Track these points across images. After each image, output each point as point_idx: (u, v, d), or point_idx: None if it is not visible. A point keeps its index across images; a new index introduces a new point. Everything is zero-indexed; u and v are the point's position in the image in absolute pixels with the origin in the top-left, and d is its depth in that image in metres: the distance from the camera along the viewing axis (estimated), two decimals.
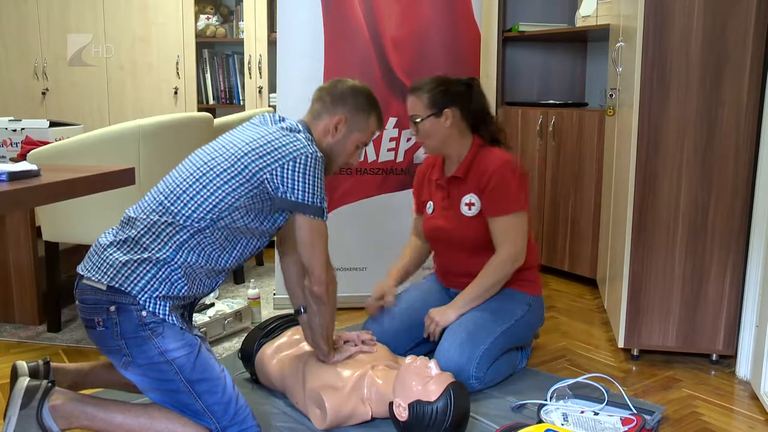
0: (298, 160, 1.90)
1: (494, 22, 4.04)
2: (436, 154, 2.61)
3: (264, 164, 1.90)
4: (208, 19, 4.54)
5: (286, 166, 1.90)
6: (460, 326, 2.40)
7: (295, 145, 1.92)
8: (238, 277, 3.72)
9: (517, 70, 4.26)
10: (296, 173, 1.90)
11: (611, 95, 3.13)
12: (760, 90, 2.45)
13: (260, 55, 4.39)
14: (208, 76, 4.61)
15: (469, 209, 2.52)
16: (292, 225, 1.99)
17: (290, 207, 1.93)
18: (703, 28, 2.44)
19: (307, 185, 1.91)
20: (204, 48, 4.59)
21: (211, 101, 4.64)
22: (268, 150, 1.91)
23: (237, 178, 1.89)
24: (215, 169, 1.91)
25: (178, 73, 4.44)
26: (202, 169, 1.93)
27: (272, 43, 4.28)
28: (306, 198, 1.92)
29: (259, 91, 4.43)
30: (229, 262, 1.97)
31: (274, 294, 3.31)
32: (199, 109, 4.50)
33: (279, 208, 1.96)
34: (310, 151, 1.92)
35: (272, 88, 4.38)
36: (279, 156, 1.90)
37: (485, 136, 2.56)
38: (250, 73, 4.42)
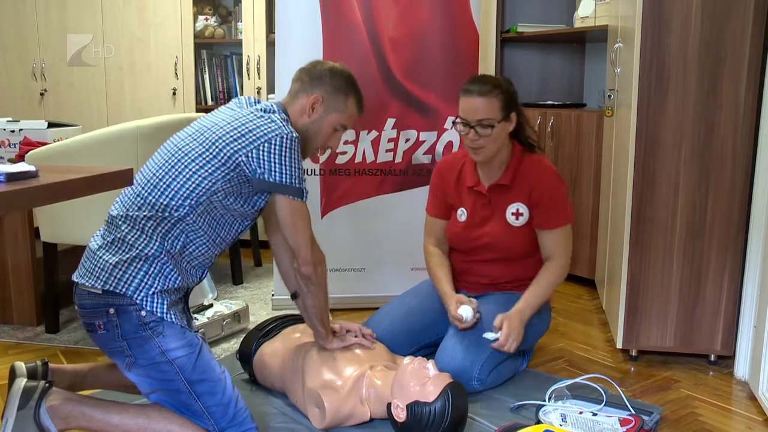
0: (273, 141, 1.89)
1: (492, 22, 4.04)
2: (484, 161, 2.48)
3: (239, 146, 1.89)
4: (206, 19, 4.54)
5: (261, 148, 1.89)
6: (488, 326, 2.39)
7: (269, 126, 1.92)
8: (237, 278, 3.72)
9: (515, 70, 4.26)
10: (272, 155, 1.90)
11: (609, 96, 3.13)
12: (758, 91, 2.45)
13: (259, 56, 4.39)
14: (206, 76, 4.61)
15: (516, 219, 2.48)
16: (274, 206, 1.99)
17: (268, 188, 1.93)
18: (701, 30, 2.45)
19: (284, 166, 1.91)
20: (202, 49, 4.59)
21: (209, 102, 4.64)
22: (243, 132, 1.91)
23: (212, 162, 1.89)
24: (190, 155, 1.91)
25: (176, 73, 4.43)
26: (176, 155, 1.92)
27: (271, 44, 4.28)
28: (284, 179, 1.91)
29: (258, 92, 4.43)
30: (213, 247, 1.97)
31: (273, 295, 3.31)
32: (198, 110, 4.50)
33: (258, 191, 1.95)
34: (285, 131, 1.91)
35: (271, 89, 4.37)
36: (253, 138, 1.90)
37: (523, 141, 2.53)
38: (248, 74, 4.42)
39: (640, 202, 2.59)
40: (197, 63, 4.53)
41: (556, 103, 3.96)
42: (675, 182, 2.55)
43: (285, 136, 1.91)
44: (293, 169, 1.92)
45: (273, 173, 1.90)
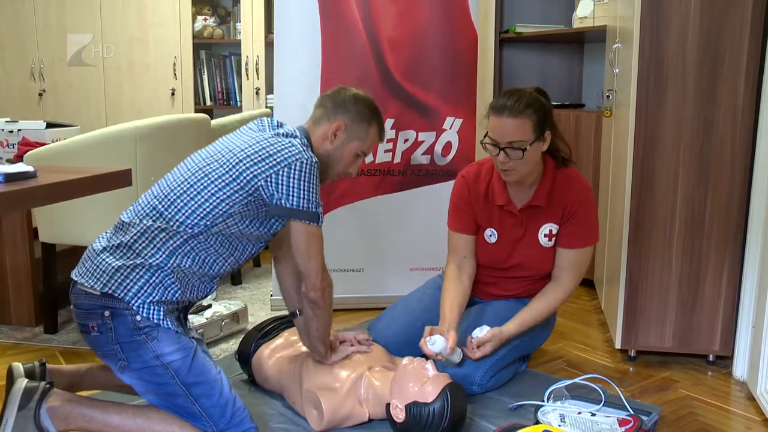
0: (293, 167, 1.89)
1: (491, 23, 4.05)
2: (516, 182, 2.37)
3: (258, 171, 1.89)
4: (205, 20, 4.54)
5: (281, 173, 1.89)
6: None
7: (290, 151, 1.91)
8: (236, 278, 3.71)
9: (514, 71, 4.26)
10: (291, 179, 1.89)
11: (608, 96, 3.13)
12: (756, 91, 2.46)
13: (257, 56, 4.39)
14: (205, 77, 4.61)
15: (549, 240, 2.41)
16: (287, 230, 1.99)
17: (285, 214, 1.92)
18: (700, 30, 2.45)
19: (302, 191, 1.90)
20: (201, 49, 4.59)
21: (208, 102, 4.64)
22: (263, 156, 1.90)
23: (232, 185, 1.89)
24: (210, 176, 1.91)
25: (175, 74, 4.44)
26: (197, 174, 1.92)
27: (269, 44, 4.29)
28: (301, 204, 1.91)
29: (257, 93, 4.43)
30: (224, 267, 1.97)
31: (271, 295, 3.31)
32: (196, 110, 4.51)
33: (274, 215, 1.95)
34: (305, 156, 1.91)
35: (269, 89, 4.37)
36: (274, 162, 1.89)
37: (557, 156, 2.41)
38: (247, 74, 4.42)
39: (638, 202, 2.59)
40: (196, 63, 4.54)
41: (554, 103, 3.95)
42: (673, 182, 2.55)
43: (305, 161, 1.90)
44: (311, 194, 1.91)
45: (291, 198, 1.90)
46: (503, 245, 2.47)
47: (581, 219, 2.37)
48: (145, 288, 1.84)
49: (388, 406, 2.02)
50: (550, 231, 2.41)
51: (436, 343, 2.22)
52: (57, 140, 3.29)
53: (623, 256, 2.64)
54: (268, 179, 1.89)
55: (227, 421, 1.89)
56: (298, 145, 1.93)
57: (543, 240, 2.41)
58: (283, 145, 1.93)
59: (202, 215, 1.88)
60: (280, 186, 1.89)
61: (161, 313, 1.84)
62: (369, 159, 3.21)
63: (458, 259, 2.52)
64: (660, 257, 2.60)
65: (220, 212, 1.89)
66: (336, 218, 3.23)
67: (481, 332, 2.35)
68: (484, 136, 2.28)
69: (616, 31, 3.06)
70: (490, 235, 2.48)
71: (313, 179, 1.92)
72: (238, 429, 1.91)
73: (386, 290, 3.27)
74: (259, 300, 3.45)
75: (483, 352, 2.32)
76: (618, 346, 2.70)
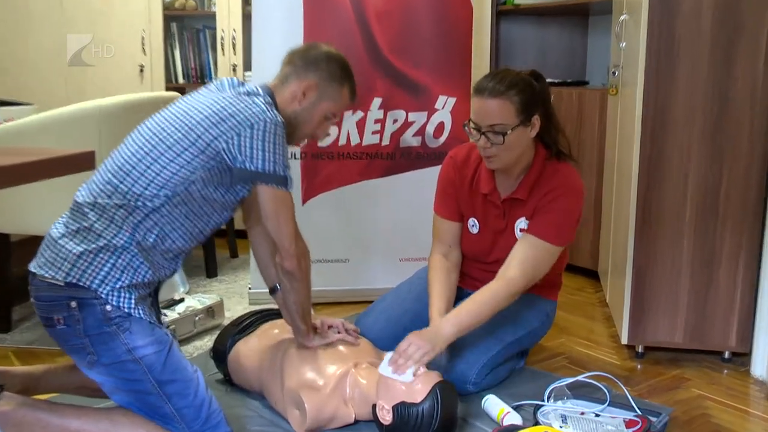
0: (256, 127, 1.88)
1: None
2: (500, 170, 2.35)
3: (219, 132, 1.88)
4: None
5: (243, 134, 1.88)
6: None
7: (252, 110, 1.90)
8: (211, 270, 3.70)
9: (511, 46, 4.24)
10: (255, 140, 1.88)
11: (614, 73, 3.12)
12: None
13: (234, 30, 4.35)
14: (177, 52, 4.57)
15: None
16: (256, 196, 1.98)
17: (250, 177, 1.92)
18: None
19: (267, 153, 1.89)
20: (172, 22, 4.54)
21: (180, 80, 4.60)
22: (224, 117, 1.89)
23: (191, 150, 1.87)
24: (167, 141, 1.89)
25: (143, 49, 4.39)
26: (152, 141, 1.90)
27: (247, 17, 4.24)
28: (266, 167, 1.90)
29: (233, 69, 4.40)
30: (189, 240, 1.96)
31: (250, 288, 3.30)
32: (168, 89, 4.46)
33: (239, 180, 1.94)
34: (270, 116, 1.90)
35: (247, 66, 4.34)
36: (235, 123, 1.88)
37: (551, 146, 2.37)
38: (223, 50, 4.39)
39: (646, 186, 2.58)
40: (167, 37, 4.49)
41: (555, 81, 3.94)
42: (685, 164, 2.54)
43: (269, 121, 1.89)
44: (277, 156, 1.91)
45: (255, 161, 1.89)
46: (485, 237, 2.46)
47: (555, 212, 2.29)
48: (112, 273, 1.82)
49: (374, 407, 2.01)
50: (524, 227, 2.37)
51: (407, 374, 2.02)
52: (9, 120, 3.24)
53: (629, 244, 2.63)
54: (230, 141, 1.88)
55: (202, 423, 1.88)
56: (262, 104, 1.92)
57: (518, 235, 2.39)
58: (245, 104, 1.92)
59: (161, 185, 1.86)
60: (243, 148, 1.88)
61: (132, 300, 1.82)
62: (355, 141, 3.20)
63: (444, 248, 2.52)
64: (670, 244, 2.59)
65: (181, 180, 1.87)
66: (319, 205, 3.21)
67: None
68: (467, 121, 2.28)
69: (622, 1, 3.04)
70: (473, 225, 2.48)
71: (278, 140, 1.91)
72: None
73: (374, 282, 3.27)
74: (236, 293, 3.44)
75: (402, 351, 2.09)
76: (624, 341, 2.70)
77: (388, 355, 2.08)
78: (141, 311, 1.83)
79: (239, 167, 1.90)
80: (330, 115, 2.14)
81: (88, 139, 2.70)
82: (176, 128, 1.90)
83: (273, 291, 2.26)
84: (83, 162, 1.73)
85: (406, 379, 1.99)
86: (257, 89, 2.02)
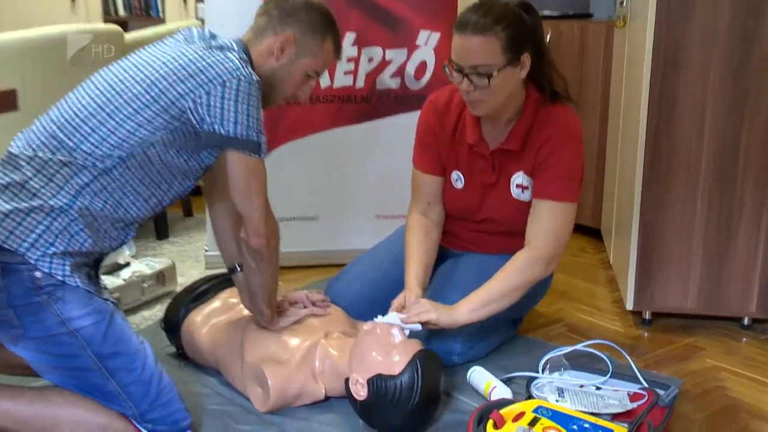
0: (228, 85, 1.86)
1: None
2: (486, 116, 2.33)
3: (186, 90, 1.86)
4: None
5: (213, 93, 1.85)
6: (455, 294, 2.33)
7: (224, 66, 1.88)
8: (161, 230, 3.69)
9: None
10: (226, 101, 1.86)
11: (621, 3, 3.11)
12: None
13: None
14: None
15: (522, 192, 2.38)
16: (223, 165, 1.96)
17: (219, 143, 1.90)
18: None
19: (239, 115, 1.87)
20: None
21: (121, 12, 4.55)
22: (192, 72, 1.87)
23: (152, 108, 1.85)
24: (124, 95, 1.87)
25: None
26: (107, 94, 1.88)
27: None
28: (238, 131, 1.88)
29: (184, 0, 4.35)
30: (144, 210, 1.94)
31: (206, 251, 3.30)
32: (106, 21, 4.40)
33: (206, 145, 1.93)
34: (244, 73, 1.88)
35: None
36: (205, 80, 1.86)
37: (544, 87, 2.34)
38: None
39: (656, 134, 2.59)
40: None
41: (554, 14, 3.92)
42: (701, 109, 2.55)
43: (243, 78, 1.87)
44: (251, 119, 1.89)
45: (226, 123, 1.87)
46: (472, 193, 2.46)
47: (558, 164, 2.30)
48: (44, 237, 1.80)
49: (347, 380, 2.03)
50: (522, 183, 2.38)
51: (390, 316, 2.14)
52: None
53: (636, 199, 2.65)
54: (198, 100, 1.86)
55: (151, 402, 1.89)
56: (235, 60, 1.90)
57: (515, 192, 2.40)
58: (216, 59, 1.89)
59: (114, 145, 1.84)
60: (212, 108, 1.86)
61: (66, 267, 1.81)
62: (325, 83, 3.18)
63: (423, 205, 2.53)
64: (682, 199, 2.62)
65: (138, 141, 1.85)
66: (284, 156, 3.21)
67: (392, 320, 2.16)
68: (447, 62, 2.25)
69: None
70: (456, 180, 2.48)
71: (252, 101, 1.89)
72: (164, 411, 1.91)
73: (346, 243, 3.28)
74: (190, 257, 3.45)
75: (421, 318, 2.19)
76: (630, 307, 2.73)
77: (368, 324, 2.10)
78: (77, 279, 1.82)
79: (207, 130, 1.88)
80: (312, 72, 2.12)
81: (8, 75, 2.66)
82: (136, 81, 1.88)
83: (232, 271, 2.25)
84: (3, 102, 1.71)
85: (390, 320, 2.09)
86: (231, 43, 1.99)
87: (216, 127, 1.87)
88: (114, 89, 1.88)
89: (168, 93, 1.86)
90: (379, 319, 2.13)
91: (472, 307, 2.24)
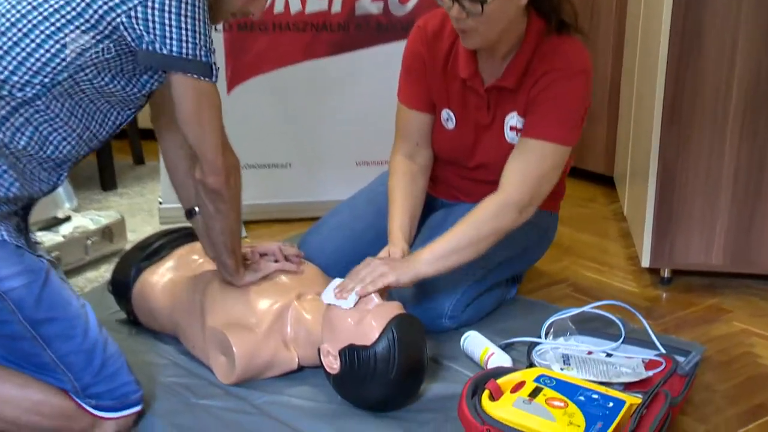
0: None
1: None
2: (481, 49, 2.30)
3: (118, 1, 1.80)
4: None
5: (151, 5, 1.80)
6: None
7: None
8: (108, 180, 3.69)
9: None
10: (167, 14, 1.80)
11: None
12: None
13: None
14: None
15: (517, 135, 2.34)
16: (168, 90, 1.92)
17: (161, 64, 1.85)
18: None
19: (184, 32, 1.82)
20: None
21: None
22: None
23: (77, 23, 1.79)
24: (41, 9, 1.80)
25: None
26: (18, 7, 1.81)
27: None
28: (184, 50, 1.83)
29: None
30: (77, 147, 1.91)
31: (161, 203, 3.29)
32: None
33: (146, 68, 1.89)
34: None
35: None
36: None
37: (550, 16, 2.28)
38: None
39: (678, 67, 2.58)
40: None
41: None
42: (731, 38, 2.54)
43: None
44: (198, 36, 1.84)
45: (168, 41, 1.82)
46: (464, 134, 2.45)
47: (547, 99, 2.26)
48: None
49: (319, 351, 2.03)
50: (516, 125, 2.35)
51: (349, 299, 2.06)
52: None
53: (654, 141, 2.65)
54: (133, 14, 1.80)
55: (94, 374, 1.87)
56: None
57: (509, 135, 2.37)
58: None
59: (35, 69, 1.79)
60: (151, 24, 1.80)
61: None
62: (295, 7, 3.17)
63: (409, 147, 2.51)
64: (708, 141, 2.62)
65: (64, 63, 1.80)
66: (249, 93, 3.20)
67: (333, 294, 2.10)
68: None
69: None
70: (447, 119, 2.46)
71: (199, 13, 1.83)
72: (110, 384, 1.89)
73: (323, 193, 3.29)
74: (142, 210, 3.45)
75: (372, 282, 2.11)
76: (646, 264, 2.74)
77: (336, 281, 2.09)
78: (3, 232, 1.80)
79: (146, 50, 1.82)
80: None
81: None
82: None
83: (190, 214, 2.24)
84: None
85: (346, 305, 2.01)
86: None
87: (157, 46, 1.82)
88: (28, 2, 1.82)
89: (95, 6, 1.80)
90: (327, 295, 2.08)
91: (434, 256, 2.20)
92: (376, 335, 1.94)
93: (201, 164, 1.98)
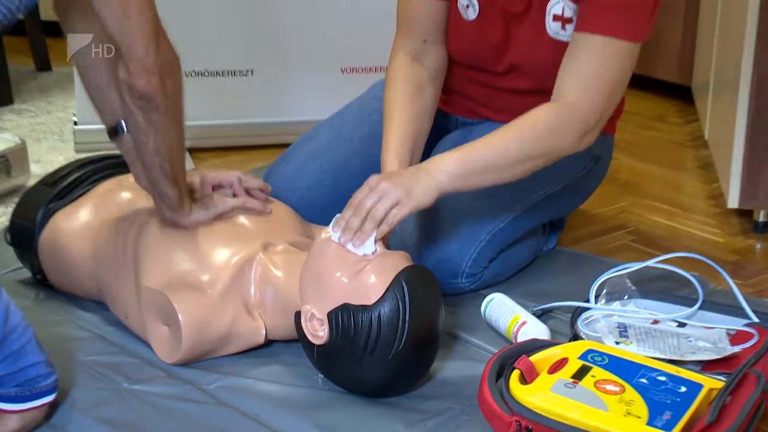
0: None
1: None
2: None
3: None
4: None
5: None
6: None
7: None
8: (3, 93, 3.70)
9: None
10: None
11: None
12: None
13: None
14: None
15: (563, 28, 2.35)
16: None
17: None
18: None
19: None
20: None
21: None
22: None
23: None
24: None
25: None
26: None
27: None
28: None
29: None
30: None
31: (75, 124, 3.31)
32: None
33: None
34: None
35: None
36: None
37: None
38: None
39: None
40: None
41: None
42: None
43: None
44: None
45: None
46: (490, 26, 2.44)
47: None
48: None
49: (297, 315, 2.03)
50: (563, 13, 2.34)
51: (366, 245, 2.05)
52: None
53: (747, 44, 2.68)
54: None
55: None
56: None
57: (552, 27, 2.37)
58: None
59: None
60: None
61: None
62: None
63: (415, 44, 2.50)
64: None
65: None
66: None
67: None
68: None
69: None
70: (467, 6, 2.44)
71: None
72: (13, 366, 1.88)
73: (298, 111, 3.34)
74: (50, 133, 3.50)
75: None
76: (734, 204, 2.77)
77: (329, 228, 2.07)
78: None
79: None
80: None
81: None
82: None
83: (115, 132, 2.23)
84: None
85: (365, 250, 2.01)
86: None
87: None
88: None
89: None
90: (327, 232, 2.07)
91: (464, 167, 2.16)
92: (380, 293, 1.92)
93: (127, 62, 1.96)
